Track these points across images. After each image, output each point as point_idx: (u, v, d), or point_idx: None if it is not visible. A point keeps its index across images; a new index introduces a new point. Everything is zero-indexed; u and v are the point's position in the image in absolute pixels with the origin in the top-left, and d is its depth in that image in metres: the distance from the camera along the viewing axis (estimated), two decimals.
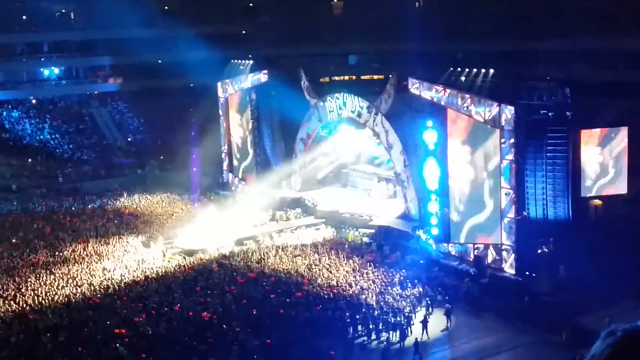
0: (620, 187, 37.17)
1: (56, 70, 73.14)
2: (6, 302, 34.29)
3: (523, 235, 35.81)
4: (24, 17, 71.89)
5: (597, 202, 37.65)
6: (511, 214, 36.13)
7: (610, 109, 37.65)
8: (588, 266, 33.16)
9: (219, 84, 58.45)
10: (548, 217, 36.27)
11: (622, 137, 37.12)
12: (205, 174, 58.93)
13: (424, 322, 31.77)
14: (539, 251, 36.03)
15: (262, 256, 40.51)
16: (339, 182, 55.44)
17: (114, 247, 43.06)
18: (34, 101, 69.48)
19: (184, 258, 41.28)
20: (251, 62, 55.66)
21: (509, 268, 36.24)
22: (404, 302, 33.62)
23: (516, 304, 33.36)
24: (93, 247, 42.75)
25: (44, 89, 71.23)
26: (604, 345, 2.82)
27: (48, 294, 35.04)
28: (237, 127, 57.46)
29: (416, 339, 30.36)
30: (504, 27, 58.32)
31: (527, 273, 35.02)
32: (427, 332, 31.45)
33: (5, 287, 36.24)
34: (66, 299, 34.56)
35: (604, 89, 39.76)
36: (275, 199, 50.78)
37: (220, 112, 58.97)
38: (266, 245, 42.80)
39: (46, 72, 72.94)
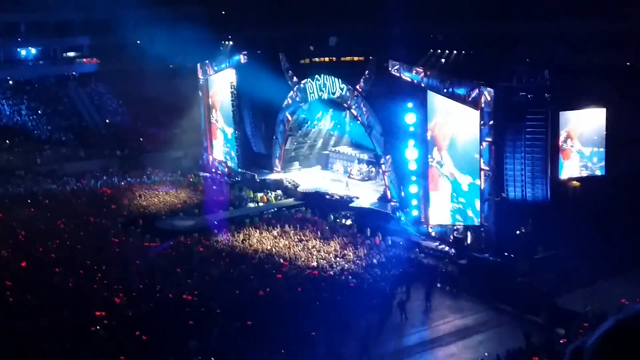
0: (598, 169, 37.49)
1: (33, 51, 72.26)
2: None
3: (502, 217, 36.08)
4: None
5: (576, 183, 37.93)
6: (490, 196, 36.35)
7: (590, 91, 37.74)
8: (566, 247, 33.53)
9: (198, 65, 58.06)
10: (527, 198, 36.51)
11: (600, 118, 37.35)
12: (185, 156, 58.64)
13: (402, 303, 31.97)
14: (518, 232, 36.32)
15: (244, 237, 40.50)
16: (320, 164, 55.46)
17: (94, 227, 42.84)
18: (10, 82, 68.61)
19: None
20: (231, 43, 55.27)
21: (487, 249, 36.50)
22: (383, 283, 33.80)
23: (495, 284, 33.67)
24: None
25: (21, 70, 70.27)
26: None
27: (28, 275, 34.85)
28: (218, 108, 57.18)
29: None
30: (485, 8, 58.22)
31: (506, 254, 35.32)
32: (405, 314, 31.69)
33: None
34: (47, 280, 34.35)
35: (584, 72, 39.87)
36: (256, 181, 50.72)
37: (200, 94, 58.64)
38: (248, 227, 42.79)
39: (23, 53, 72.04)
